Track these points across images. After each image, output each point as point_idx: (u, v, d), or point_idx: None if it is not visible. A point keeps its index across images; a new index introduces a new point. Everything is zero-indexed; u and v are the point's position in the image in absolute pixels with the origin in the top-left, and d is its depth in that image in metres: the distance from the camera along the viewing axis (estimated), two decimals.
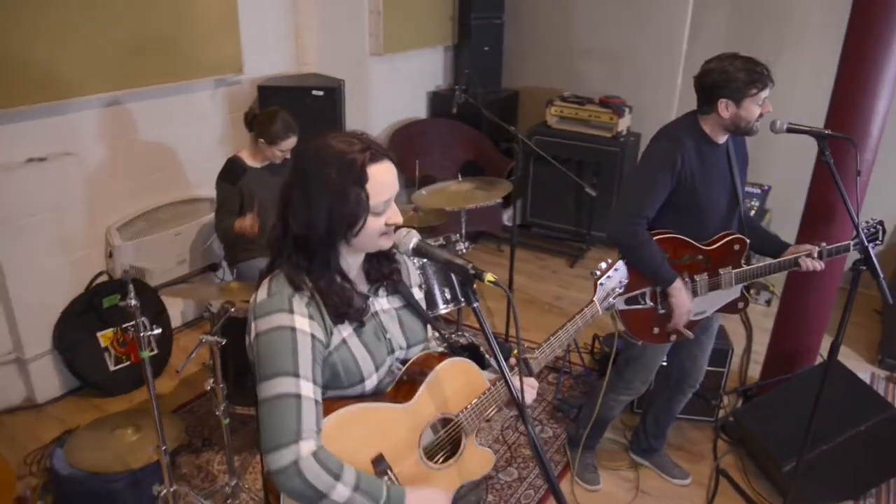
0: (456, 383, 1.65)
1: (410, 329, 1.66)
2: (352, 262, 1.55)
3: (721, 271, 2.57)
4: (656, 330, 2.62)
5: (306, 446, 1.36)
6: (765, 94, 2.37)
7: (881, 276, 2.34)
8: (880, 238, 2.56)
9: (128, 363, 3.60)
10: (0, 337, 3.33)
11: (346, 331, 1.50)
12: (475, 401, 1.65)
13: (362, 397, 1.54)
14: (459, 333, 3.42)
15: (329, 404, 1.47)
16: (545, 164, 4.15)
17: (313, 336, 1.43)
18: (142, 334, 2.33)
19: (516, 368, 1.60)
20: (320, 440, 1.40)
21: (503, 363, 1.48)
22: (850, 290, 2.38)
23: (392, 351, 1.60)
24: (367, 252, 1.55)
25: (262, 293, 1.47)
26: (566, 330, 1.78)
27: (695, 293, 2.58)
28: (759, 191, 4.68)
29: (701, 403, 3.37)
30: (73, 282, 3.47)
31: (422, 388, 1.58)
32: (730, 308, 2.70)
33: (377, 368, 1.55)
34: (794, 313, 3.40)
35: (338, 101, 4.15)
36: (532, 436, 1.47)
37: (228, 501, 2.80)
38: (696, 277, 2.57)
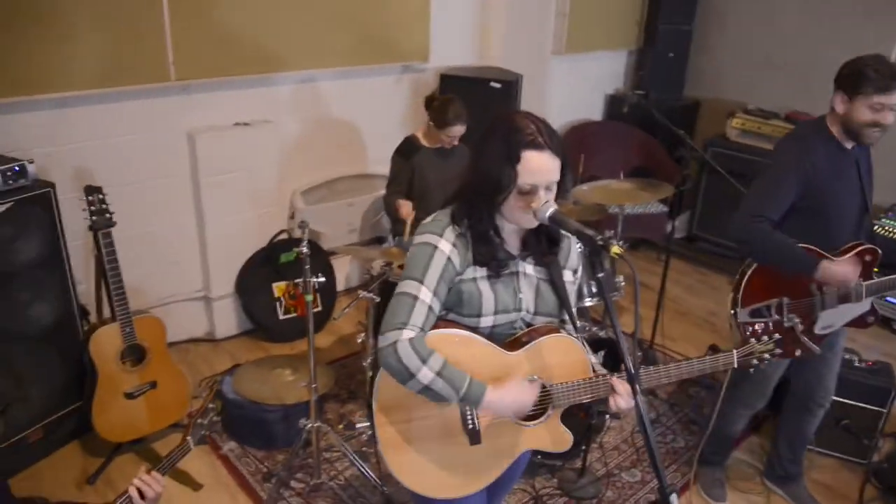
0: (561, 357, 1.75)
1: (543, 299, 1.78)
2: (508, 225, 1.72)
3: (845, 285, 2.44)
4: None
5: (407, 333, 1.60)
6: (880, 98, 2.24)
7: None
8: None
9: (295, 314, 3.98)
10: (194, 276, 3.81)
11: (480, 272, 1.70)
12: (574, 381, 1.74)
13: (476, 331, 1.71)
14: (599, 328, 3.44)
15: (445, 323, 1.71)
16: (719, 177, 4.03)
17: (449, 259, 1.66)
18: (308, 279, 2.54)
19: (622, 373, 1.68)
20: (421, 335, 1.62)
21: (628, 361, 1.54)
22: None
23: (519, 309, 1.74)
24: (514, 223, 1.70)
25: (429, 218, 1.72)
26: (690, 364, 1.81)
27: (822, 306, 2.47)
28: None
29: (854, 442, 3.16)
30: (257, 235, 3.87)
31: (529, 346, 1.71)
32: (859, 323, 2.57)
33: (496, 312, 1.71)
34: None
35: (514, 95, 4.29)
36: (644, 421, 1.51)
37: (364, 447, 3.05)
38: (825, 289, 2.46)
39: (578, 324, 1.84)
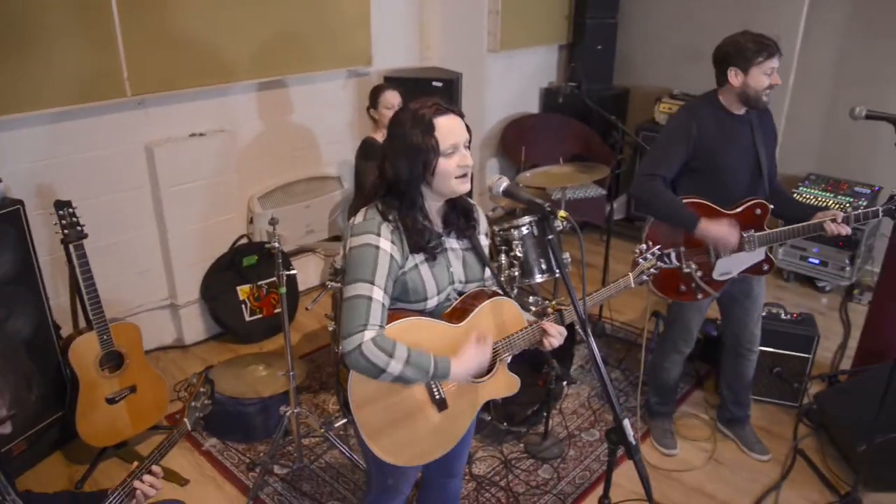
0: (499, 317, 1.97)
1: (470, 267, 1.99)
2: (433, 205, 1.89)
3: (744, 234, 2.75)
4: (682, 288, 2.83)
5: (369, 334, 1.72)
6: (772, 63, 2.59)
7: None
8: None
9: (261, 315, 4.12)
10: (159, 284, 3.92)
11: (419, 259, 1.86)
12: (512, 335, 1.97)
13: (422, 313, 1.89)
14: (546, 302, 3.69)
15: (396, 314, 1.84)
16: None
17: (392, 256, 1.79)
18: (280, 273, 2.71)
19: (553, 315, 1.95)
20: (382, 332, 1.75)
21: (579, 308, 1.79)
22: None
23: (452, 282, 1.94)
24: (447, 197, 1.88)
25: (359, 217, 1.85)
26: (600, 293, 2.08)
27: (718, 255, 2.78)
28: (868, 191, 4.65)
29: (786, 388, 3.49)
30: (219, 241, 4.00)
31: (472, 315, 1.92)
32: (755, 270, 2.87)
33: (439, 292, 1.90)
34: (887, 306, 3.45)
35: (455, 93, 4.51)
36: (596, 357, 1.74)
37: (341, 431, 3.22)
38: None
39: (503, 279, 2.07)
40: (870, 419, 2.90)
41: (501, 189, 1.80)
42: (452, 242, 1.97)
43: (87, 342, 2.94)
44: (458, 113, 1.82)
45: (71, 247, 2.89)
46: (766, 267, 2.89)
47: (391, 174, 1.82)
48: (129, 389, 3.10)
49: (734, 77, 2.66)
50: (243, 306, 4.08)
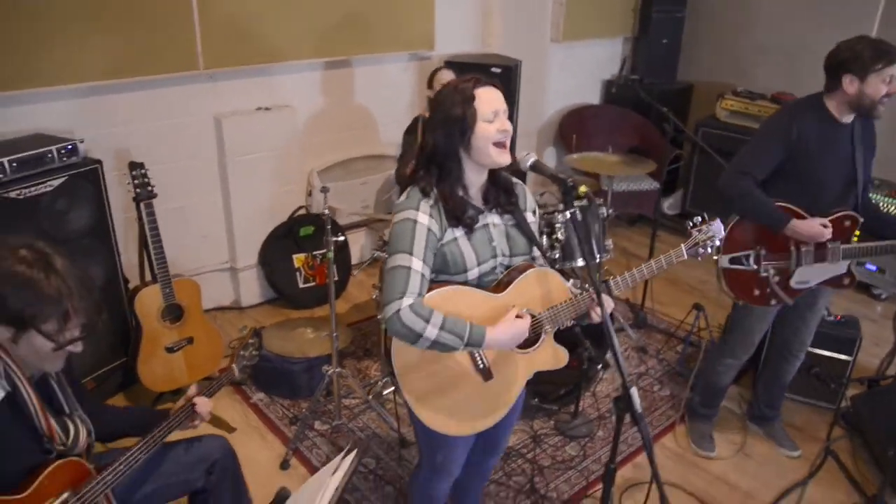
0: (543, 288, 2.02)
1: (515, 242, 2.05)
2: (474, 179, 1.97)
3: (829, 245, 2.71)
4: (756, 292, 2.80)
5: (406, 301, 1.80)
6: (892, 70, 2.50)
7: None
8: None
9: (313, 283, 4.32)
10: (221, 248, 4.16)
11: (458, 232, 1.94)
12: (557, 305, 2.02)
13: (465, 284, 1.97)
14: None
15: (438, 285, 1.91)
16: (710, 157, 4.24)
17: (429, 229, 1.87)
18: (329, 238, 2.88)
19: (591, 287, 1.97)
20: (419, 300, 1.82)
21: (597, 281, 1.88)
22: None
23: (495, 255, 2.00)
24: (487, 168, 1.95)
25: (402, 197, 1.95)
26: (649, 265, 2.08)
27: (798, 263, 2.75)
28: None
29: (823, 389, 3.47)
30: (278, 211, 4.21)
31: (514, 284, 1.98)
32: (835, 283, 2.83)
33: (479, 264, 1.96)
34: None
35: (513, 80, 4.60)
36: (611, 337, 1.83)
37: (384, 394, 3.39)
38: (802, 248, 2.74)
39: (548, 257, 2.10)
40: None
41: (529, 164, 1.90)
42: (495, 218, 2.03)
43: (152, 294, 3.18)
44: (496, 86, 1.91)
45: (142, 205, 3.14)
46: (846, 281, 2.83)
47: (430, 146, 1.92)
48: (187, 341, 3.33)
49: (849, 84, 2.56)
50: (297, 274, 4.29)
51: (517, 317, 1.94)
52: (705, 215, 2.14)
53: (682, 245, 2.10)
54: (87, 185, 3.12)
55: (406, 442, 3.17)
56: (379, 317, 3.34)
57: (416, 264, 1.85)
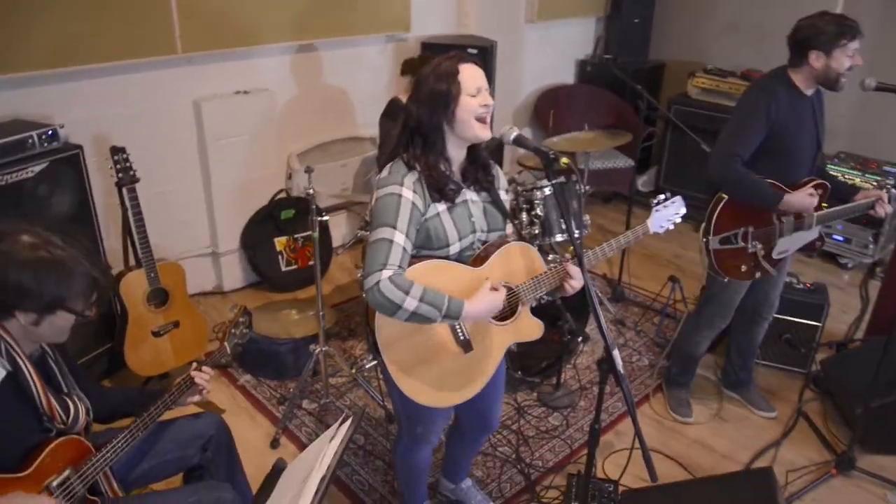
0: (519, 262, 2.09)
1: (492, 217, 2.12)
2: (455, 155, 2.03)
3: (804, 213, 2.83)
4: (744, 268, 2.92)
5: (387, 273, 1.84)
6: (854, 45, 2.61)
7: None
8: None
9: (296, 266, 4.36)
10: (202, 233, 4.18)
11: (441, 207, 2.00)
12: (534, 278, 2.10)
13: (447, 258, 2.03)
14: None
15: (420, 260, 1.97)
16: (682, 134, 4.35)
17: (413, 204, 1.92)
18: (314, 218, 2.92)
19: (570, 259, 2.08)
20: (400, 272, 1.87)
21: (579, 249, 1.94)
22: None
23: (474, 231, 2.07)
24: (468, 143, 2.01)
25: (384, 172, 2.00)
26: (617, 240, 2.18)
27: (781, 234, 2.86)
28: None
29: (795, 354, 3.60)
30: (259, 194, 4.23)
31: (491, 258, 2.05)
32: (809, 247, 2.97)
33: (460, 238, 2.03)
34: None
35: (489, 60, 4.64)
36: (590, 289, 1.90)
37: (367, 367, 3.43)
38: (783, 219, 2.86)
39: (527, 233, 2.16)
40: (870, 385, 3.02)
41: (511, 137, 1.96)
42: (472, 195, 2.10)
43: (137, 278, 3.20)
44: (479, 64, 1.97)
45: (124, 190, 3.15)
46: (818, 244, 2.99)
47: (414, 120, 1.97)
48: (173, 324, 3.36)
49: (816, 60, 2.66)
50: (280, 257, 4.32)
51: (493, 289, 2.00)
52: (667, 193, 2.27)
53: (647, 221, 2.23)
54: (68, 170, 3.12)
55: (393, 417, 3.23)
56: (359, 274, 3.39)
57: (399, 237, 1.89)
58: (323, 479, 1.63)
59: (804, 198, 2.80)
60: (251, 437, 3.14)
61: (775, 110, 2.73)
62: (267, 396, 3.41)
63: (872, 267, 4.74)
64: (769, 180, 2.80)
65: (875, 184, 4.54)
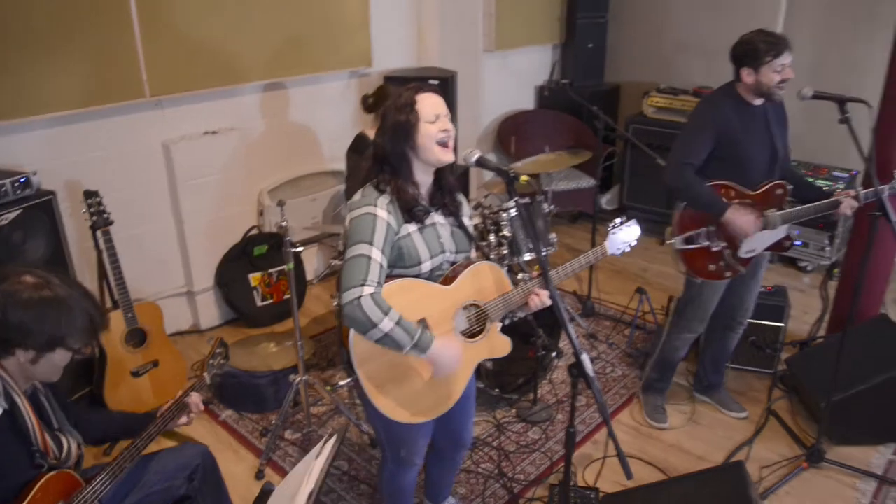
0: (487, 280, 2.20)
1: (459, 239, 2.23)
2: (422, 180, 2.14)
3: (767, 213, 2.97)
4: (712, 267, 3.04)
5: (367, 290, 1.92)
6: (782, 60, 2.78)
7: (893, 219, 2.65)
8: None
9: (271, 301, 4.40)
10: (177, 273, 4.21)
11: (412, 227, 2.10)
12: (502, 295, 2.20)
13: (418, 277, 2.12)
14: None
15: (392, 279, 2.06)
16: (641, 151, 4.49)
17: (388, 223, 2.02)
18: (288, 250, 2.99)
19: (536, 280, 2.18)
20: (379, 290, 1.96)
21: (549, 278, 2.05)
22: (869, 233, 2.72)
23: (443, 251, 2.17)
24: (434, 168, 2.12)
25: (357, 196, 2.10)
26: (578, 260, 2.28)
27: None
28: (846, 175, 4.89)
29: (762, 356, 3.73)
30: (231, 232, 4.29)
31: (460, 278, 2.15)
32: (778, 246, 3.09)
33: (431, 257, 2.12)
34: (852, 279, 3.68)
35: (450, 90, 4.78)
36: (556, 298, 2.00)
37: (346, 400, 3.49)
38: None
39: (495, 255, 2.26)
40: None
41: (474, 159, 2.06)
42: (440, 218, 2.20)
43: (114, 320, 3.23)
44: (436, 92, 2.10)
45: (98, 232, 3.20)
46: (787, 243, 3.10)
47: (382, 150, 2.09)
48: (152, 364, 3.39)
49: (747, 76, 2.85)
50: (255, 292, 4.36)
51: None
52: (624, 217, 2.39)
53: (605, 243, 2.35)
54: (41, 215, 3.16)
55: (375, 442, 3.28)
56: (335, 303, 3.45)
57: (376, 254, 1.98)
58: (311, 494, 1.68)
59: (746, 221, 2.90)
60: (236, 470, 3.16)
61: (720, 121, 2.90)
62: (249, 430, 3.44)
63: (830, 269, 4.91)
64: (728, 182, 2.94)
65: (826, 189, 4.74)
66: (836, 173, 4.93)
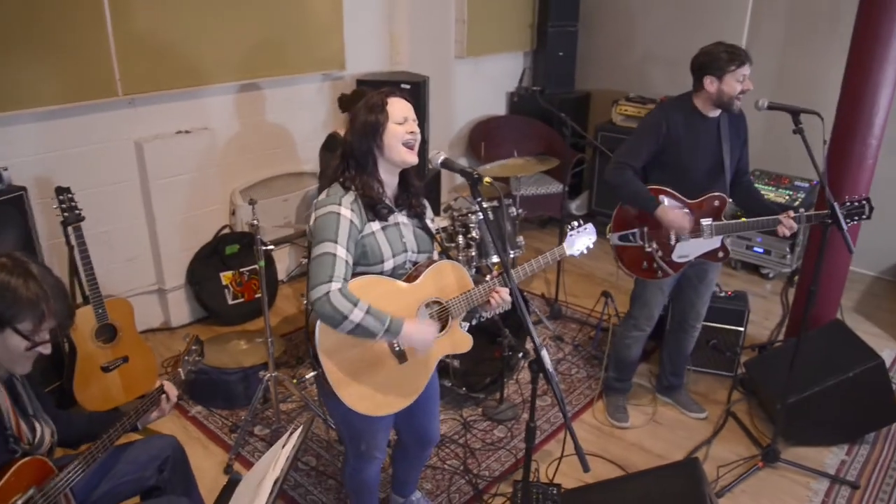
0: (449, 279, 2.27)
1: (422, 240, 2.31)
2: (387, 179, 2.21)
3: (703, 223, 3.08)
4: (646, 265, 3.18)
5: (335, 285, 2.00)
6: (744, 71, 2.90)
7: (845, 228, 2.77)
8: (866, 213, 2.92)
9: (242, 300, 4.43)
10: (148, 271, 4.23)
11: (375, 226, 2.16)
12: (463, 294, 2.27)
13: (381, 274, 2.18)
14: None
15: (356, 276, 2.12)
16: (609, 158, 4.62)
17: (351, 221, 2.09)
18: (259, 248, 3.04)
19: (497, 279, 2.27)
20: (346, 285, 2.03)
21: (511, 275, 2.12)
22: (821, 241, 2.84)
23: (405, 250, 2.24)
24: (399, 168, 2.20)
25: (322, 195, 2.17)
26: (537, 260, 2.38)
27: (678, 238, 3.11)
28: (807, 185, 5.05)
29: (722, 359, 3.85)
30: (203, 231, 4.32)
31: (423, 276, 2.22)
32: (711, 256, 3.19)
33: (394, 256, 2.19)
34: (807, 286, 3.81)
35: (422, 95, 4.85)
36: (516, 293, 2.08)
37: (307, 377, 3.54)
38: None
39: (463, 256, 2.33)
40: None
41: (439, 161, 2.14)
42: (404, 218, 2.28)
43: (85, 315, 3.24)
44: (407, 99, 2.18)
45: (70, 228, 3.21)
46: (721, 254, 3.18)
47: (349, 147, 2.17)
48: (122, 359, 3.40)
49: (710, 84, 2.94)
50: (226, 291, 4.39)
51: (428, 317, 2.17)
52: (580, 220, 2.52)
53: (563, 244, 2.48)
54: (12, 210, 3.18)
55: (343, 438, 3.33)
56: (305, 301, 3.51)
57: (341, 252, 2.05)
58: (276, 480, 1.73)
59: (678, 216, 3.03)
60: (205, 465, 3.19)
61: (668, 128, 3.02)
62: (219, 426, 3.47)
63: (791, 276, 5.07)
64: (667, 189, 3.08)
65: (787, 198, 4.90)
66: (797, 183, 5.09)
